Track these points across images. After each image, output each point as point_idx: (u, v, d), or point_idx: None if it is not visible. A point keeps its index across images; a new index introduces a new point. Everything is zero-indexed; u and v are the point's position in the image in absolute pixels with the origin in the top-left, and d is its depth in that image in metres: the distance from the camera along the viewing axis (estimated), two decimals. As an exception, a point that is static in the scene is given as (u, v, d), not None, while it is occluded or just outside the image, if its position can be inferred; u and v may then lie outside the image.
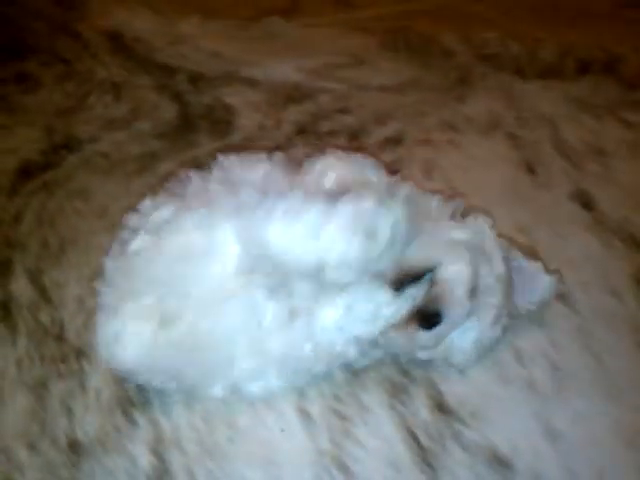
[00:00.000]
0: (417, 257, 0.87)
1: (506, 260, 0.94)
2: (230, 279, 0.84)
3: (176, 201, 0.91)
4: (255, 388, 0.87)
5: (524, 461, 0.85)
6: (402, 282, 0.85)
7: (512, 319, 0.96)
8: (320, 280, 0.82)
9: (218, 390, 0.87)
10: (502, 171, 1.39)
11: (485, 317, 0.90)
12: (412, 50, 1.90)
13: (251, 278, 0.84)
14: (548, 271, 0.99)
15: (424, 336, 0.87)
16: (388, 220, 0.79)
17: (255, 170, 0.95)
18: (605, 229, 1.22)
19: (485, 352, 0.94)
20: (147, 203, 0.94)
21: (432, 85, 1.71)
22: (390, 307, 0.84)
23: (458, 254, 0.88)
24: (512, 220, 1.23)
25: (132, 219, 0.92)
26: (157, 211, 0.90)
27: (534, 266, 0.99)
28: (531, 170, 1.39)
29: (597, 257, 1.16)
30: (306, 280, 0.84)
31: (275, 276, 0.84)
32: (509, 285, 0.93)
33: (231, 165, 0.95)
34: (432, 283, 0.86)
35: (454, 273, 0.86)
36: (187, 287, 0.83)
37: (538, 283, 0.98)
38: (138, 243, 0.87)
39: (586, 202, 1.29)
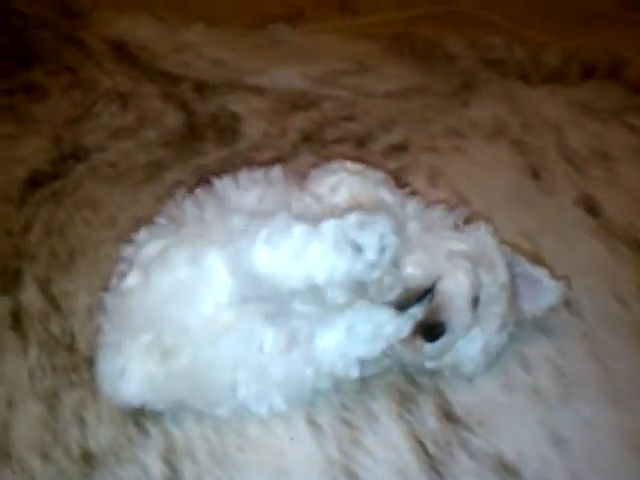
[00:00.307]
0: (417, 277, 0.87)
1: (510, 267, 0.95)
2: (224, 310, 0.84)
3: (171, 231, 0.90)
4: (261, 409, 0.88)
5: (530, 468, 0.85)
6: (405, 305, 0.85)
7: (518, 326, 0.97)
8: (317, 301, 0.82)
9: (223, 411, 0.88)
10: (507, 177, 1.40)
11: (490, 325, 0.91)
12: (417, 55, 1.92)
13: (245, 308, 0.84)
14: (554, 277, 1.00)
15: (429, 348, 0.87)
16: (374, 233, 0.78)
17: (250, 192, 0.94)
18: (610, 234, 1.23)
19: (493, 359, 0.94)
20: (143, 234, 0.93)
21: (437, 91, 1.73)
22: (391, 326, 0.84)
23: (457, 265, 0.88)
24: (517, 226, 1.24)
25: (128, 250, 0.92)
26: (146, 247, 0.89)
27: (539, 271, 0.99)
28: (536, 176, 1.40)
29: (602, 263, 1.17)
30: (303, 302, 0.84)
31: (270, 301, 0.83)
32: (513, 292, 0.94)
33: (225, 189, 0.95)
34: (433, 296, 0.87)
35: (454, 284, 0.87)
36: (182, 322, 0.83)
37: (544, 288, 0.98)
38: (130, 281, 0.87)
39: (591, 207, 1.30)
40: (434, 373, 0.94)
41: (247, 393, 0.85)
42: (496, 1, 2.27)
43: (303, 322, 0.84)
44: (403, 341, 0.87)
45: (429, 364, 0.92)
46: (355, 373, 0.88)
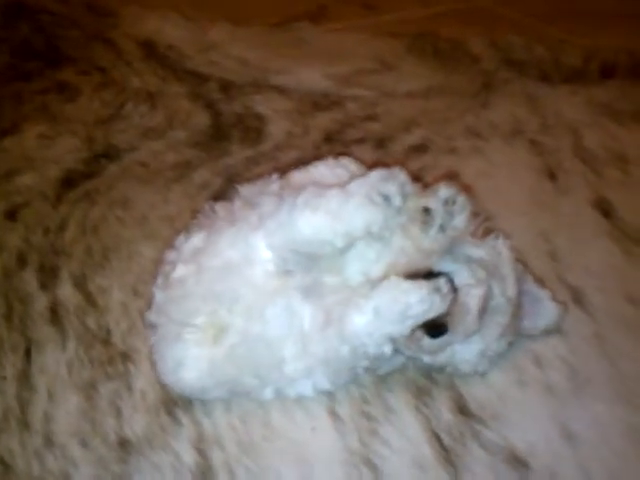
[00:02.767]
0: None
1: (518, 283, 0.98)
2: (273, 277, 0.90)
3: (206, 230, 0.97)
4: (306, 389, 0.92)
5: (541, 461, 0.89)
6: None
7: (517, 337, 1.00)
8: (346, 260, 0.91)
9: (269, 393, 0.93)
10: (524, 178, 1.42)
11: (491, 333, 0.93)
12: (439, 55, 1.92)
13: (286, 282, 0.90)
14: (555, 300, 1.03)
15: (427, 342, 0.90)
16: (396, 182, 0.87)
17: (272, 186, 1.02)
18: (624, 236, 1.25)
19: (491, 364, 0.97)
20: (181, 238, 1.00)
21: (458, 91, 1.74)
22: (420, 306, 0.85)
23: (474, 273, 0.91)
24: (533, 226, 1.26)
25: (171, 254, 0.99)
26: (188, 242, 0.97)
27: (542, 292, 1.03)
28: (552, 177, 1.41)
29: (616, 265, 1.19)
30: (335, 276, 0.91)
31: (307, 276, 0.90)
32: (518, 307, 0.97)
33: (249, 192, 1.02)
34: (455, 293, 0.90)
35: (468, 295, 0.90)
36: (235, 293, 0.90)
37: (543, 308, 1.02)
38: (179, 272, 0.94)
39: (606, 209, 1.31)
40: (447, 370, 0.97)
41: (294, 369, 0.90)
42: (517, -2, 2.27)
43: (335, 301, 0.89)
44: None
45: (426, 358, 0.95)
46: (388, 351, 0.89)
